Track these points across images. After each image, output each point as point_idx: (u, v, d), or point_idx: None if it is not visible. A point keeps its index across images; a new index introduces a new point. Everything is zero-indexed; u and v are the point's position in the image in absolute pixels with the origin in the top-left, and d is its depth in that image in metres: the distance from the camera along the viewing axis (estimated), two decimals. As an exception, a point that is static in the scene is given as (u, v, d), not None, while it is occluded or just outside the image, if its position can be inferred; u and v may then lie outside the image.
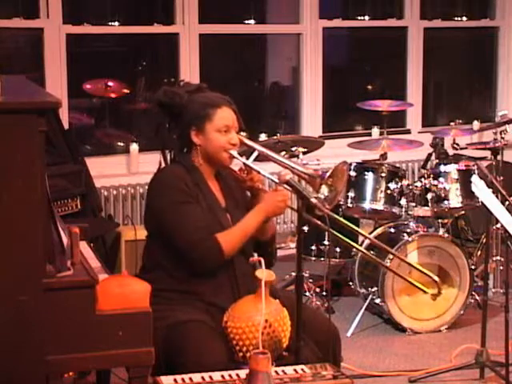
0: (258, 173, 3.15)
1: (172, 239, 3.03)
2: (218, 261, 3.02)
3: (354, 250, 4.79)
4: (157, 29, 6.02)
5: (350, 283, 5.02)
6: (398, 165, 5.45)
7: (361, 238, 4.96)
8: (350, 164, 4.93)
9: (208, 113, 3.10)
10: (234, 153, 3.11)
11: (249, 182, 3.19)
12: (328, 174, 3.16)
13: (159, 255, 3.09)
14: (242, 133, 3.23)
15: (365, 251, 4.58)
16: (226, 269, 3.07)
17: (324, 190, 3.16)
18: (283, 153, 4.82)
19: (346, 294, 5.23)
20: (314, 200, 2.88)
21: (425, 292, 4.40)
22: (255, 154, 3.22)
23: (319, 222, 3.77)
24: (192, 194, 3.06)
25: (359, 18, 7.07)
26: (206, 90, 3.22)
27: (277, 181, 3.11)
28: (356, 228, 4.11)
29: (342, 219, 3.76)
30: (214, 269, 3.03)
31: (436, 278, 4.42)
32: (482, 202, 3.78)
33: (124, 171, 5.78)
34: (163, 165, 3.22)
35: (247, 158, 3.19)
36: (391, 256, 4.56)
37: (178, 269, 3.05)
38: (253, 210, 3.12)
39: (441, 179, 4.88)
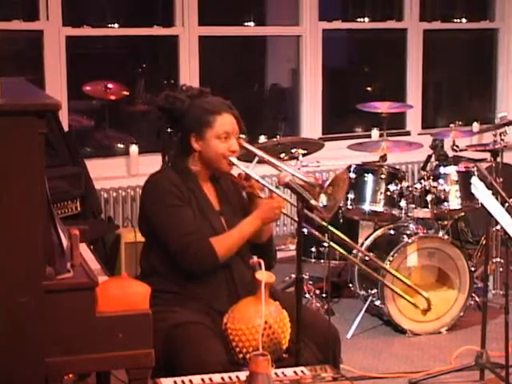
0: (257, 181, 3.15)
1: (165, 242, 3.03)
2: (211, 264, 3.02)
3: (354, 251, 4.78)
4: (156, 31, 6.02)
5: (350, 285, 5.01)
6: (397, 166, 5.45)
7: (360, 241, 4.97)
8: (350, 166, 4.93)
9: (208, 119, 3.09)
10: (234, 160, 3.11)
11: (248, 188, 3.20)
12: (328, 182, 3.14)
13: (155, 260, 3.10)
14: (242, 135, 3.22)
15: (359, 263, 4.59)
16: (223, 271, 3.08)
17: (323, 198, 3.15)
18: (283, 154, 4.82)
19: (345, 296, 5.23)
20: (313, 202, 2.89)
21: (416, 307, 4.43)
22: (255, 161, 3.22)
23: (317, 233, 3.80)
24: (184, 198, 3.06)
25: (359, 19, 7.07)
26: (208, 95, 3.20)
27: (274, 189, 3.12)
28: (346, 239, 4.13)
29: (336, 231, 3.78)
30: (207, 271, 3.03)
31: (426, 295, 4.45)
32: (481, 204, 3.78)
33: (124, 173, 5.78)
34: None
35: (247, 161, 3.19)
36: (391, 258, 4.57)
37: (175, 273, 3.05)
38: (249, 216, 3.12)
39: (440, 181, 4.88)
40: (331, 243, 3.75)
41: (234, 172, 3.22)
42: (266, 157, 3.25)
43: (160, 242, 3.05)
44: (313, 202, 2.90)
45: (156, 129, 3.23)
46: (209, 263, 3.02)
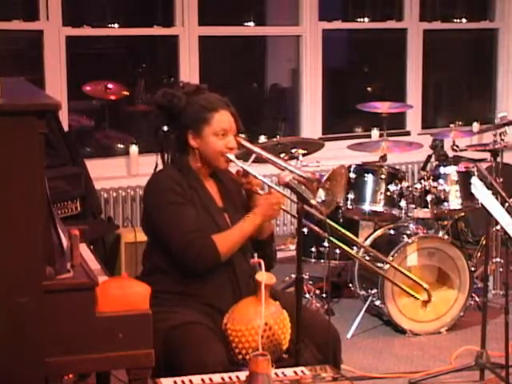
0: (255, 177, 3.15)
1: (167, 240, 3.03)
2: (213, 261, 3.02)
3: (354, 251, 4.78)
4: (156, 31, 6.02)
5: (350, 285, 5.01)
6: (397, 166, 5.45)
7: (359, 241, 4.96)
8: (350, 166, 4.93)
9: (205, 116, 3.09)
10: (232, 156, 3.11)
11: (246, 184, 3.20)
12: (325, 177, 3.14)
13: (158, 258, 3.09)
14: (241, 134, 3.23)
15: (361, 259, 4.59)
16: (226, 269, 3.07)
17: (321, 193, 3.15)
18: (283, 155, 4.82)
19: (345, 296, 5.23)
20: (313, 202, 2.89)
21: (416, 298, 4.44)
22: (253, 157, 3.22)
23: (317, 229, 3.80)
24: (186, 196, 3.06)
25: (359, 19, 7.07)
26: (206, 91, 3.20)
27: (273, 185, 3.12)
28: (350, 235, 4.12)
29: (337, 226, 3.77)
30: (209, 269, 3.03)
31: (425, 286, 4.45)
32: (481, 204, 3.78)
33: (124, 173, 5.78)
34: (160, 167, 3.22)
35: (246, 160, 3.19)
36: (391, 258, 4.57)
37: (177, 271, 3.04)
38: (249, 214, 3.12)
39: (440, 181, 4.88)
40: (331, 238, 3.74)
41: (233, 169, 3.22)
42: (264, 154, 3.26)
43: (162, 241, 3.05)
44: (313, 201, 2.90)
45: (153, 128, 3.23)
46: (211, 261, 3.01)
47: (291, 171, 3.14)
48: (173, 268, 3.05)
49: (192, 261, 2.99)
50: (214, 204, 3.15)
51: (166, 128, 3.18)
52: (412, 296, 4.44)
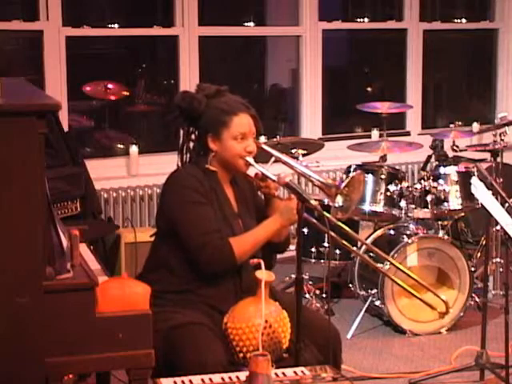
0: (274, 181, 3.14)
1: (183, 238, 3.02)
2: (228, 264, 3.01)
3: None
4: (156, 31, 6.02)
5: (350, 285, 5.01)
6: (397, 167, 5.44)
7: (361, 238, 4.96)
8: (350, 166, 4.93)
9: (224, 120, 3.08)
10: (251, 160, 3.10)
11: (264, 188, 3.19)
12: (344, 183, 3.13)
13: (167, 254, 3.07)
14: (262, 137, 3.22)
15: (363, 255, 4.57)
16: (233, 275, 3.06)
17: (339, 199, 3.14)
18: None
19: (345, 296, 5.23)
20: (313, 202, 2.89)
21: (433, 309, 4.37)
22: (272, 161, 3.21)
23: (318, 223, 3.79)
24: (208, 197, 3.05)
25: (359, 19, 7.07)
26: (226, 93, 3.18)
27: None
28: (353, 233, 4.10)
29: (340, 223, 3.76)
30: (223, 272, 3.02)
31: (444, 298, 4.38)
32: (481, 204, 3.78)
33: (124, 173, 5.77)
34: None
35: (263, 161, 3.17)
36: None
37: (186, 269, 3.03)
38: (269, 219, 3.11)
39: (440, 181, 4.88)
40: (331, 232, 3.73)
41: (251, 172, 3.21)
42: (283, 157, 3.25)
43: (178, 237, 3.03)
44: (312, 201, 2.90)
45: (173, 128, 3.21)
46: (226, 264, 3.01)
47: (310, 176, 3.13)
48: (181, 264, 3.04)
49: (207, 261, 2.98)
50: (230, 208, 3.14)
51: (186, 129, 3.17)
52: (430, 307, 4.39)
